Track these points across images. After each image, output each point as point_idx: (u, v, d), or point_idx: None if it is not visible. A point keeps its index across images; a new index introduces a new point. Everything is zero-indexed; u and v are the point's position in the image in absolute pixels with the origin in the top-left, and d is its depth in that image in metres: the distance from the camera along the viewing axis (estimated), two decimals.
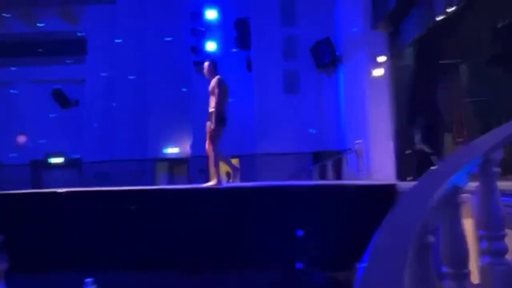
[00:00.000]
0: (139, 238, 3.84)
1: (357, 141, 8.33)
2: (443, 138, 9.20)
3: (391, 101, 9.64)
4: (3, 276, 1.45)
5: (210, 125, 4.62)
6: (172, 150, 13.38)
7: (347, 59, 10.39)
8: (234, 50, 12.33)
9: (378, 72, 9.53)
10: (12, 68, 13.76)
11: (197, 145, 12.51)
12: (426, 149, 7.75)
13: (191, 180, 12.45)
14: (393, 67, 9.77)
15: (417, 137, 7.92)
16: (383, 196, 3.84)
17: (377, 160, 9.08)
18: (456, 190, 1.48)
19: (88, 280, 2.29)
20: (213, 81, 4.69)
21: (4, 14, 13.72)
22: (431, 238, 1.38)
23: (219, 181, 4.60)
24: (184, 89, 12.79)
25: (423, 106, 8.97)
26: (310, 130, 11.72)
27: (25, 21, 13.89)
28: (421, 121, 8.25)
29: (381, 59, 9.48)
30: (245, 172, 12.28)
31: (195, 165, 12.58)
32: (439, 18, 7.13)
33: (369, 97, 9.50)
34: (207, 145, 4.69)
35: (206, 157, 4.77)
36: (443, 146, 8.98)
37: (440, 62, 8.54)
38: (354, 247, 3.81)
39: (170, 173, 13.59)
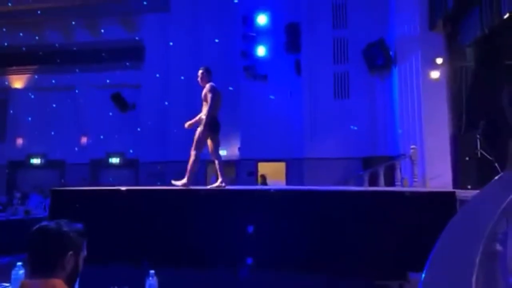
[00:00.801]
0: (192, 235, 3.98)
1: (412, 147, 8.00)
2: (507, 144, 8.57)
3: (449, 104, 9.17)
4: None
5: (200, 130, 4.70)
6: (221, 152, 13.66)
7: (401, 61, 10.03)
8: (283, 54, 12.38)
9: (435, 74, 9.11)
10: (77, 73, 14.91)
11: (245, 148, 12.75)
12: (488, 155, 7.28)
13: (239, 182, 12.67)
14: (451, 69, 9.30)
15: (478, 143, 7.46)
16: (441, 204, 3.67)
17: (433, 167, 8.66)
18: None
19: (151, 272, 2.41)
20: (206, 88, 4.76)
21: (71, 24, 14.94)
22: (499, 247, 1.32)
23: (223, 182, 4.75)
24: (230, 88, 13.04)
25: (485, 110, 8.43)
26: (352, 127, 11.41)
27: (89, 30, 15.02)
28: (482, 126, 7.76)
29: (439, 60, 9.05)
30: (293, 176, 12.33)
31: (243, 168, 12.80)
32: (505, 16, 6.68)
33: (425, 100, 9.11)
34: (192, 149, 4.79)
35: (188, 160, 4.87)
36: (507, 153, 8.37)
37: (506, 62, 7.99)
38: (407, 255, 3.68)
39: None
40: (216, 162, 4.91)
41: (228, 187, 5.09)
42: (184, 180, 4.73)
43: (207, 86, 4.79)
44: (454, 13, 8.43)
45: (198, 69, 5.00)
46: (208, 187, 4.80)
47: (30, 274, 1.45)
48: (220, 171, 4.82)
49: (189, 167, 4.80)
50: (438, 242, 1.29)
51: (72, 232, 1.52)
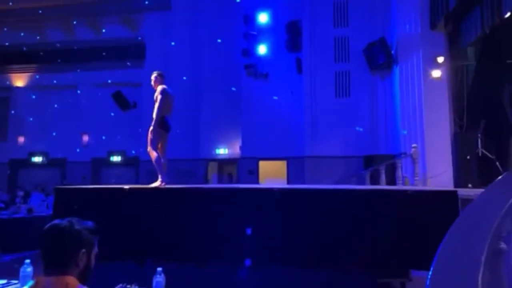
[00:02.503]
0: (194, 233, 4.01)
1: (413, 145, 8.02)
2: (508, 143, 8.62)
3: (450, 103, 9.19)
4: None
5: (151, 129, 4.97)
6: (222, 151, 13.73)
7: (403, 60, 10.03)
8: (284, 53, 12.40)
9: (437, 73, 9.12)
10: (78, 72, 14.92)
11: (246, 146, 12.79)
12: (489, 154, 7.31)
13: (240, 181, 12.70)
14: (452, 68, 9.32)
15: (479, 142, 7.49)
16: (443, 203, 3.70)
17: (434, 166, 8.69)
18: None
19: (159, 269, 2.44)
20: (157, 90, 5.04)
21: (72, 23, 14.94)
22: (504, 245, 1.34)
23: (162, 181, 4.93)
24: (233, 88, 13.06)
25: (486, 109, 8.46)
26: (357, 128, 11.47)
27: (90, 28, 15.02)
28: (483, 124, 7.79)
29: (440, 59, 9.07)
30: (294, 174, 12.36)
31: (244, 166, 12.83)
32: (506, 16, 6.70)
33: (426, 99, 9.13)
34: (148, 147, 5.05)
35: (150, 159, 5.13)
36: (508, 152, 8.41)
37: (507, 61, 8.02)
38: (410, 253, 3.71)
39: (220, 173, 13.94)
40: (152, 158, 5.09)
41: (227, 185, 5.16)
42: (159, 180, 4.93)
43: (158, 88, 5.06)
44: (455, 12, 8.45)
45: (152, 73, 5.25)
46: (150, 185, 4.91)
47: (44, 271, 1.48)
48: (159, 170, 4.98)
49: (156, 166, 5.02)
50: (444, 241, 1.32)
51: (84, 230, 1.55)
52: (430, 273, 1.25)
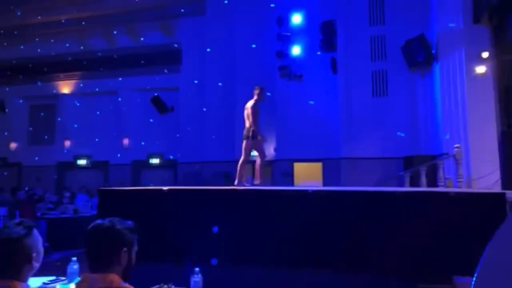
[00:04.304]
0: (231, 234, 4.06)
1: (455, 145, 7.66)
2: None
3: (496, 100, 8.71)
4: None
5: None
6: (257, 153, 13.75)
7: (444, 57, 9.62)
8: (318, 53, 12.27)
9: (481, 69, 8.67)
10: (118, 79, 15.57)
11: (281, 148, 12.74)
12: None
13: (275, 183, 12.67)
14: (498, 63, 8.83)
15: None
16: (489, 206, 3.51)
17: (479, 167, 8.25)
18: None
19: (196, 269, 2.49)
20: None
21: (112, 32, 15.61)
22: None
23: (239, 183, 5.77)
24: (268, 94, 13.07)
25: None
26: (398, 133, 11.12)
27: (129, 36, 15.61)
28: None
29: (485, 55, 8.62)
30: (330, 176, 12.18)
31: (279, 168, 12.80)
32: None
33: (470, 96, 8.69)
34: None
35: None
36: None
37: None
38: (453, 259, 3.55)
39: (254, 175, 13.97)
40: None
41: (267, 187, 5.20)
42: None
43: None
44: (500, 4, 8.02)
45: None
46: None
47: (90, 269, 1.56)
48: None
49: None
50: (489, 246, 1.25)
51: (125, 229, 1.61)
52: (474, 279, 1.20)
